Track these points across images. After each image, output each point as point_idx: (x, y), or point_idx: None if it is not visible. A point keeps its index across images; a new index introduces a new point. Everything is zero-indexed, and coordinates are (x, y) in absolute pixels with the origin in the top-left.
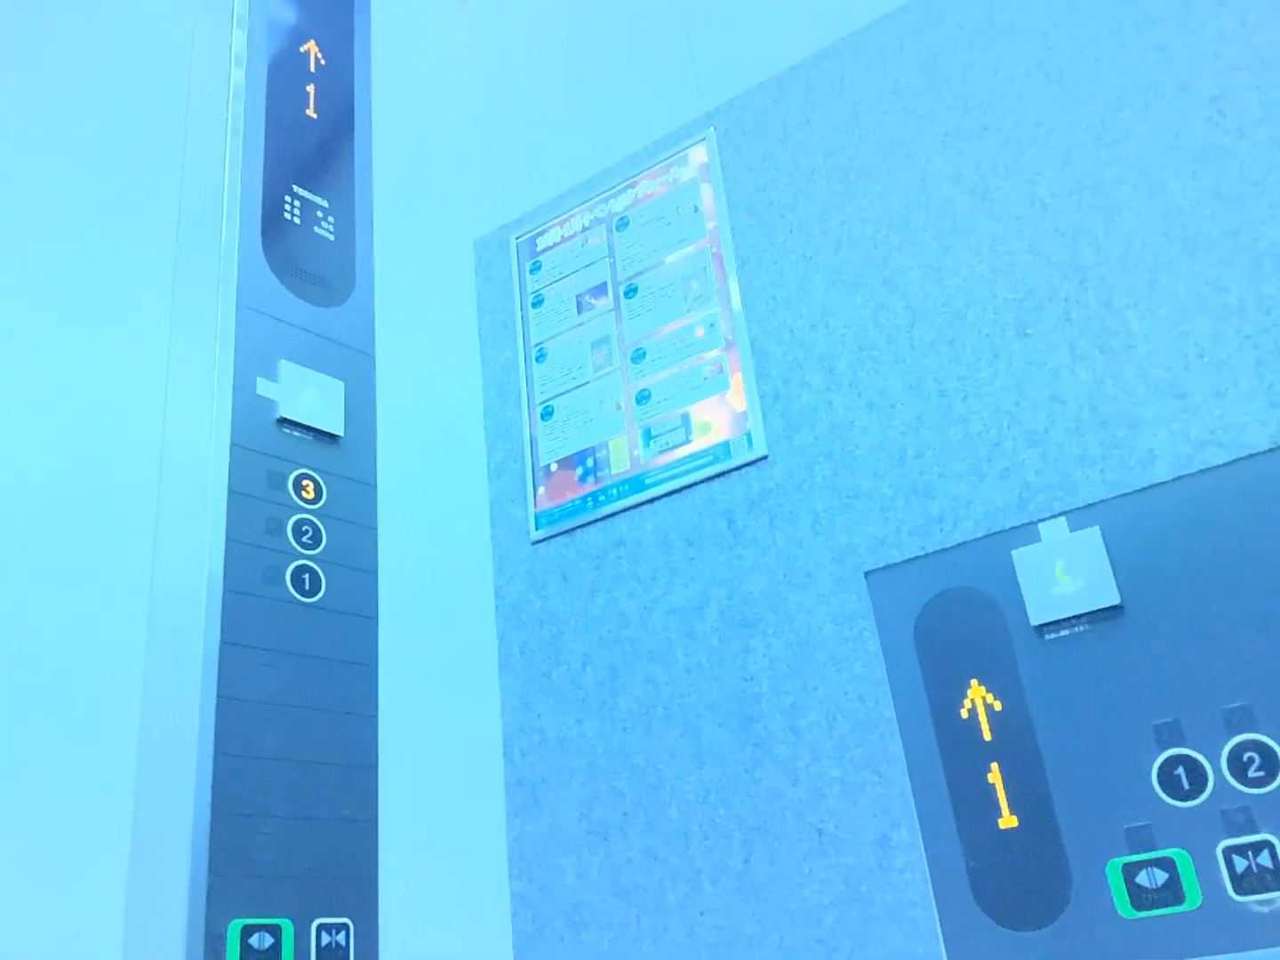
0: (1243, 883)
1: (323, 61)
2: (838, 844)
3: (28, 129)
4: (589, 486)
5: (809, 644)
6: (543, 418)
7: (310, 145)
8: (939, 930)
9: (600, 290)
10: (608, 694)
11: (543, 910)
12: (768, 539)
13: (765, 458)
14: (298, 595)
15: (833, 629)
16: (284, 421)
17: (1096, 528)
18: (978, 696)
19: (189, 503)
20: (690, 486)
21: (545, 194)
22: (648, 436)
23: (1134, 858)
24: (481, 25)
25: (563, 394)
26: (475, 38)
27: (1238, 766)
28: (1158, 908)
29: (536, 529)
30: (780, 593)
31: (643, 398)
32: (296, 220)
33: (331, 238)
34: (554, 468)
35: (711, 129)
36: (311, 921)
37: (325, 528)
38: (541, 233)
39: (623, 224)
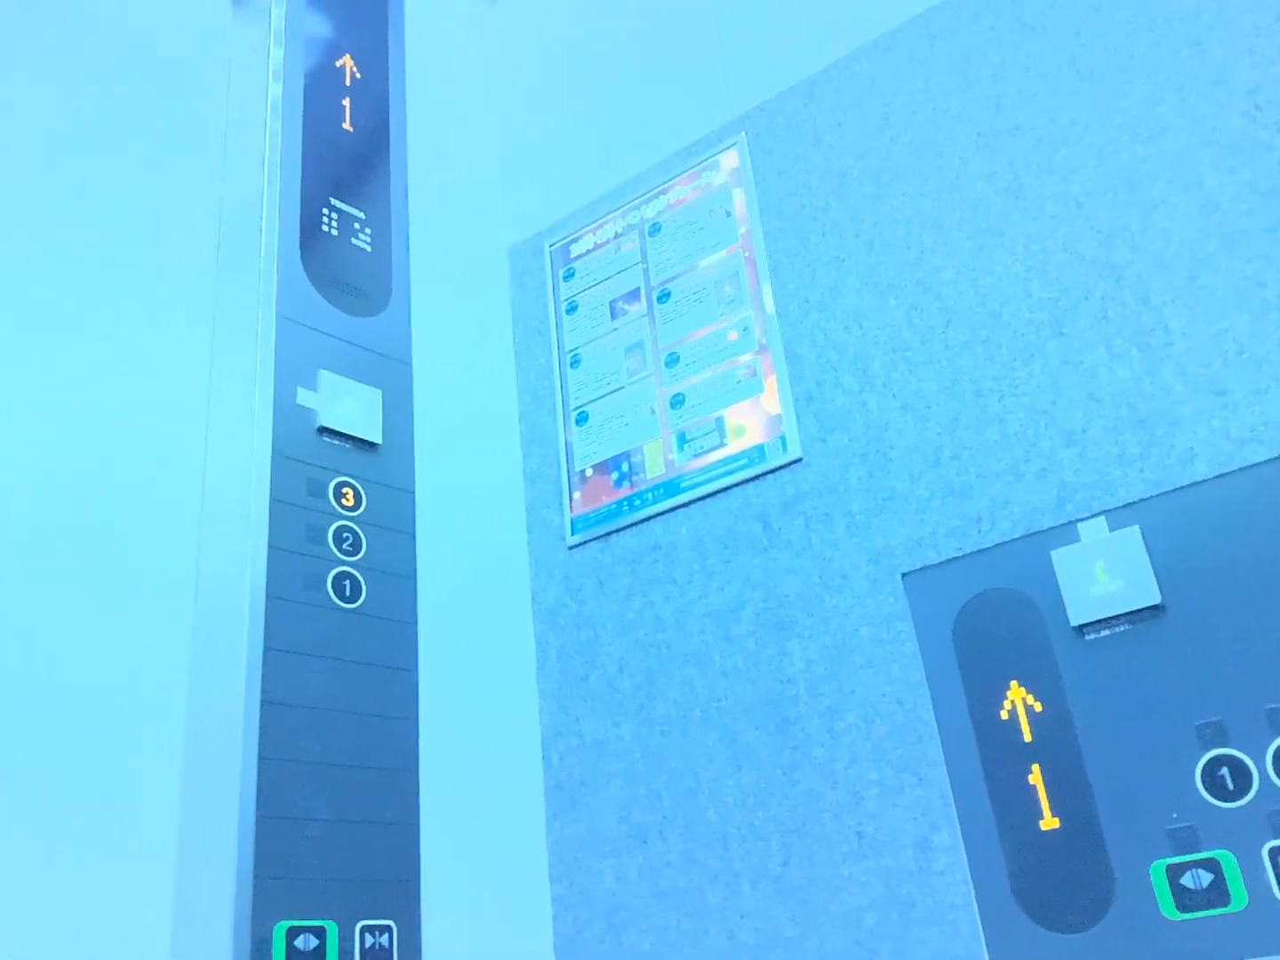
0: None
1: (358, 75)
2: (877, 846)
3: (71, 145)
4: (624, 491)
5: (846, 646)
6: (577, 423)
7: (347, 158)
8: (981, 933)
9: (633, 296)
10: (644, 697)
11: (583, 913)
12: (803, 541)
13: (800, 460)
14: (338, 601)
15: (869, 631)
16: (324, 430)
17: (1136, 527)
18: (1017, 698)
19: (232, 511)
20: (725, 490)
21: (578, 201)
22: (682, 440)
23: (1178, 859)
24: (512, 34)
25: (597, 399)
26: (506, 46)
27: None
28: (1203, 909)
29: (572, 534)
30: (816, 595)
31: (677, 402)
32: (334, 232)
33: (368, 249)
34: (589, 473)
35: (743, 133)
36: (355, 923)
37: (365, 534)
38: (575, 240)
39: (655, 229)
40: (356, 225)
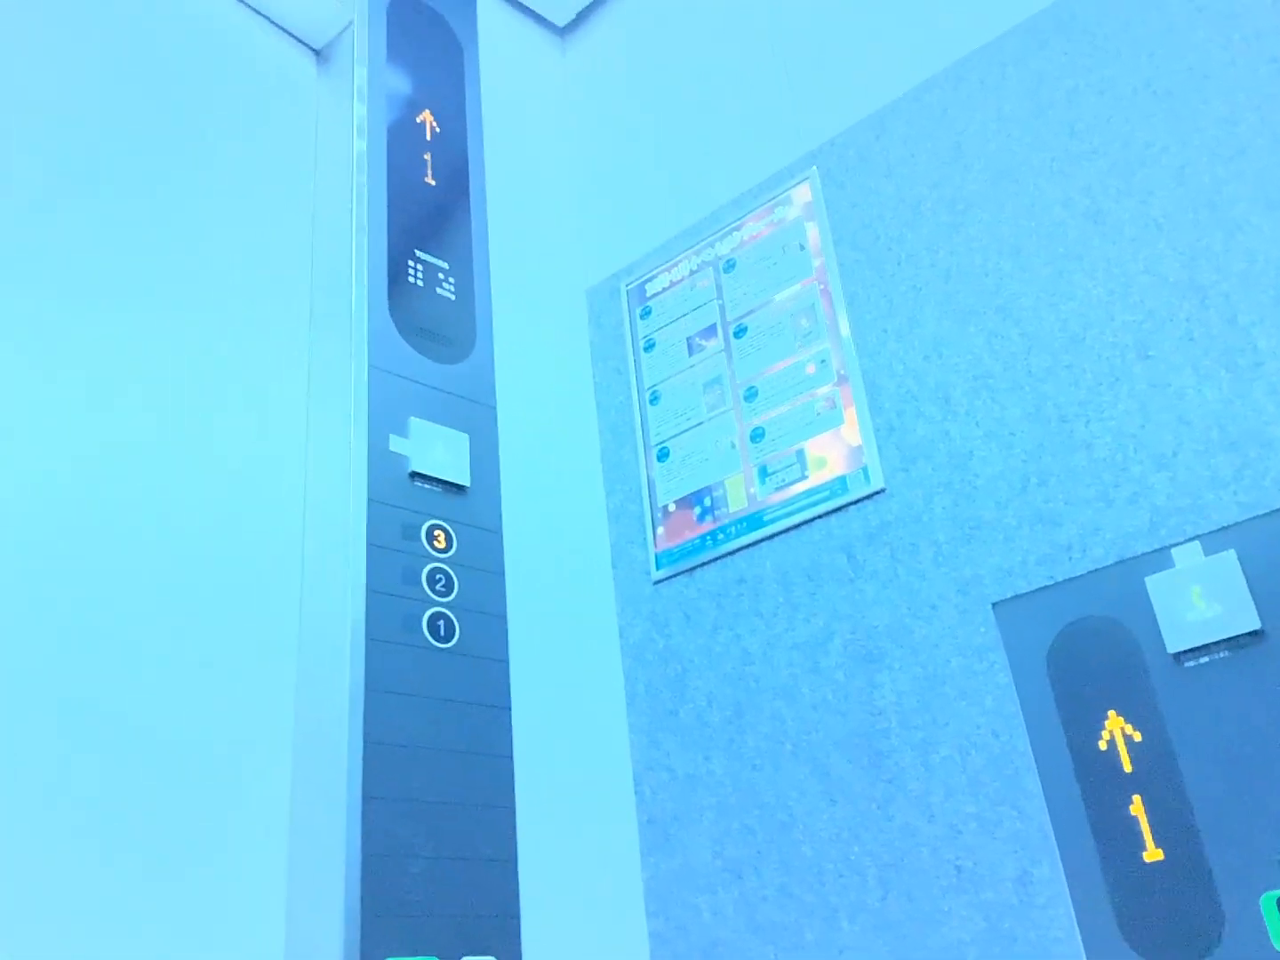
0: None
1: (438, 129)
2: (977, 880)
3: (167, 206)
4: (707, 525)
5: (937, 678)
6: (659, 459)
7: (430, 210)
8: None
9: (710, 332)
10: (734, 731)
11: (680, 948)
12: (889, 572)
13: (882, 491)
14: (434, 641)
15: (961, 662)
16: (415, 475)
17: (1232, 551)
18: (1116, 727)
19: (331, 556)
20: (808, 522)
21: (653, 241)
22: (763, 474)
23: None
24: (583, 80)
25: (677, 435)
26: (578, 94)
27: None
28: None
29: (657, 569)
30: (905, 626)
31: (757, 436)
32: (419, 283)
33: (452, 297)
34: (672, 508)
35: (814, 168)
36: (459, 958)
37: (457, 575)
38: (650, 279)
39: (730, 266)
40: (440, 275)
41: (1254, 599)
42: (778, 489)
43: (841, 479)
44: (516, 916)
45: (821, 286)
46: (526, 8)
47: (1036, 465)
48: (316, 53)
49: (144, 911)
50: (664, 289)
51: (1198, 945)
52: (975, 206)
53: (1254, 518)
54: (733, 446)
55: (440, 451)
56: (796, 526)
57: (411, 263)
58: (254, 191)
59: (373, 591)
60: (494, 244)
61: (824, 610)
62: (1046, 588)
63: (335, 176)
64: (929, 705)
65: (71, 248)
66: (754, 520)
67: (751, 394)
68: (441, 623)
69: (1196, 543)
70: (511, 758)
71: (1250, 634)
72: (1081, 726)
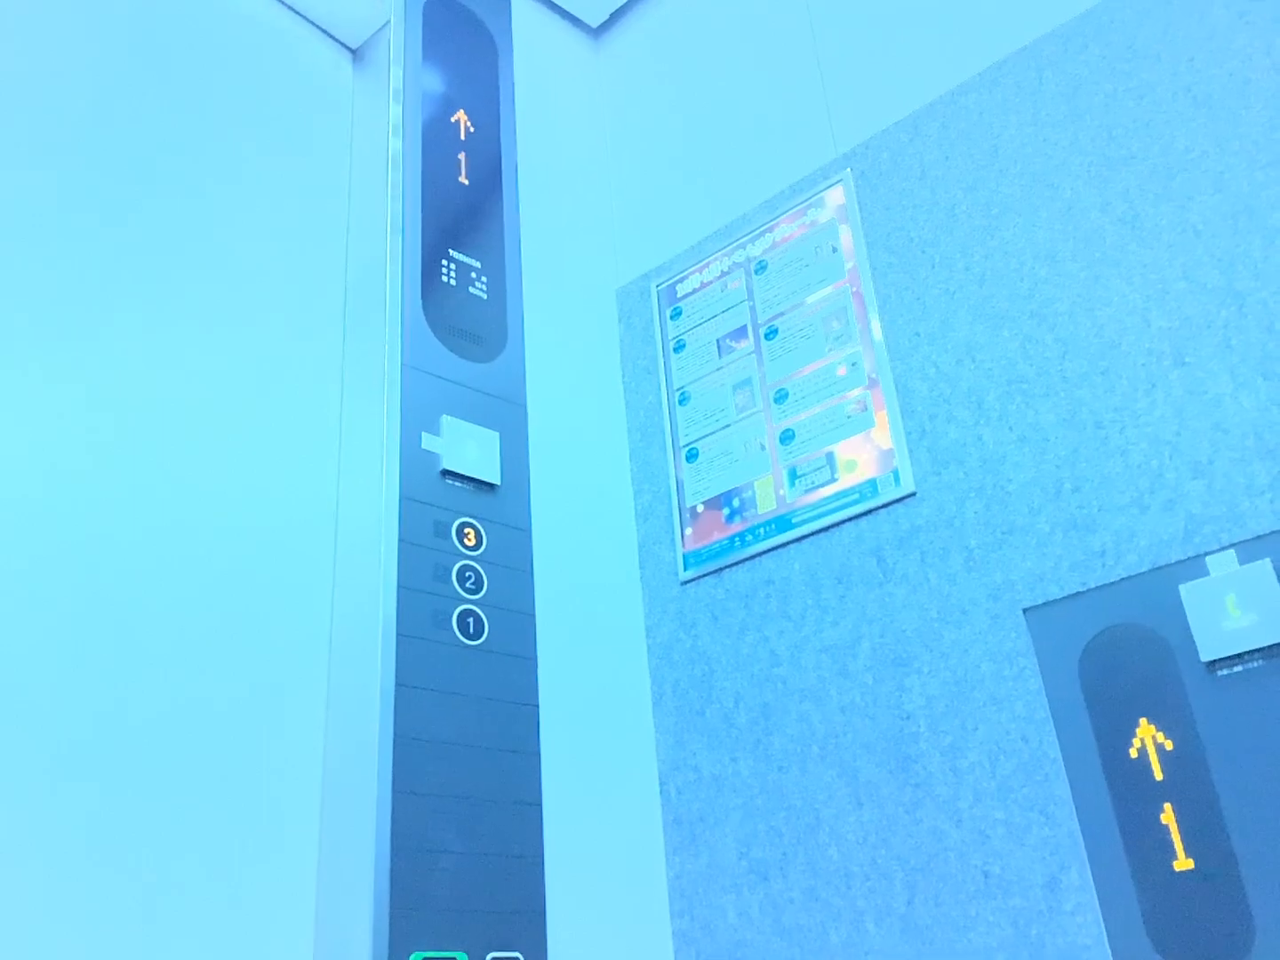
0: None
1: (472, 130)
2: (1005, 886)
3: (201, 205)
4: (736, 526)
5: (967, 682)
6: (687, 460)
7: (464, 210)
8: None
9: (740, 333)
10: (761, 733)
11: (705, 948)
12: (919, 576)
13: (913, 494)
14: (463, 638)
15: (991, 667)
16: (446, 473)
17: (1268, 560)
18: (1147, 735)
19: (363, 552)
20: (837, 525)
21: (684, 242)
22: (793, 476)
23: None
24: (616, 81)
25: (706, 436)
26: (610, 94)
27: None
28: None
29: (685, 569)
30: (934, 630)
31: (786, 438)
32: (452, 282)
33: (485, 297)
34: (700, 509)
35: (848, 170)
36: (485, 954)
37: (486, 573)
38: (681, 279)
39: (761, 267)
40: (473, 274)
41: None
42: (807, 491)
43: (872, 482)
44: (542, 914)
45: (854, 289)
46: (560, 8)
47: (1070, 471)
48: (353, 52)
49: (175, 905)
50: (695, 290)
51: (1227, 955)
52: (1010, 210)
53: None
54: (762, 448)
55: (471, 450)
56: (826, 529)
57: (445, 262)
58: (290, 190)
59: (403, 588)
60: (526, 243)
61: (853, 613)
62: (1079, 594)
63: (370, 175)
64: (958, 710)
65: (108, 247)
66: (783, 522)
67: (782, 396)
68: (471, 620)
69: (1231, 551)
70: (539, 755)
71: None
72: (1113, 733)
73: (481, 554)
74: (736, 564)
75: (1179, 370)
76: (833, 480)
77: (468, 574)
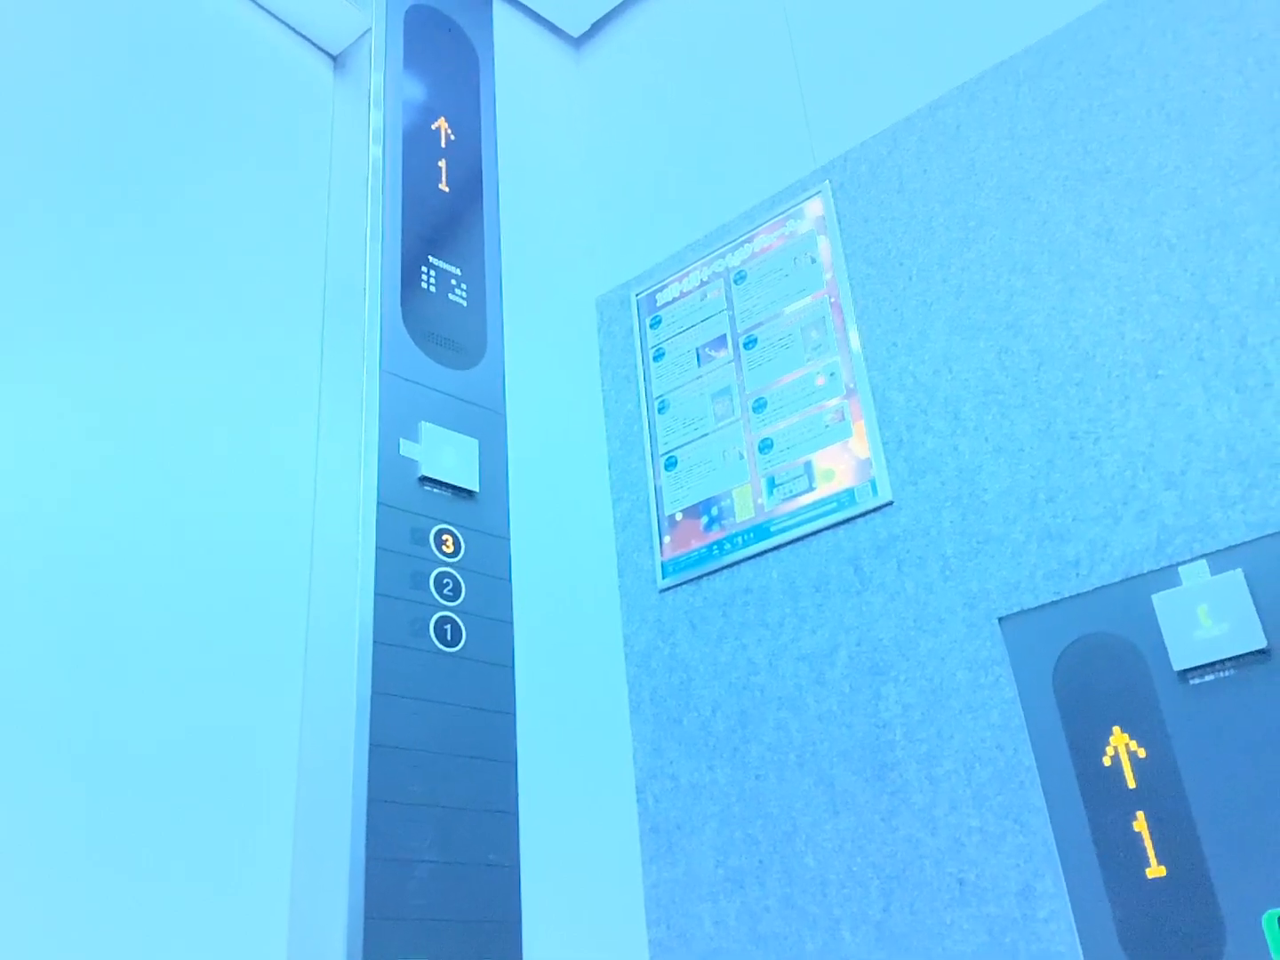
0: None
1: (452, 137)
2: (980, 894)
3: (179, 210)
4: (714, 535)
5: (943, 691)
6: (666, 468)
7: (444, 217)
8: None
9: (720, 342)
10: (739, 741)
11: (682, 957)
12: (896, 585)
13: (890, 504)
14: (441, 646)
15: (967, 676)
16: (425, 480)
17: (1239, 570)
18: (1120, 743)
19: (340, 559)
20: (815, 534)
21: (664, 251)
22: (771, 485)
23: None
24: (598, 90)
25: (685, 444)
26: (592, 103)
27: None
28: None
29: (663, 577)
30: (911, 639)
31: (765, 446)
32: (432, 289)
33: (464, 304)
34: (679, 517)
35: (827, 182)
36: None
37: (464, 580)
38: (661, 288)
39: (741, 277)
40: (453, 282)
41: (1260, 618)
42: (785, 500)
43: (849, 491)
44: (518, 923)
45: (832, 300)
46: (541, 18)
47: (1045, 481)
48: (333, 59)
49: (147, 914)
50: (674, 299)
51: None
52: (987, 223)
53: (1262, 537)
54: (741, 457)
55: (450, 456)
56: (804, 538)
57: (425, 268)
58: (269, 196)
59: (381, 595)
60: (506, 251)
61: (830, 622)
62: (1053, 603)
63: (350, 182)
64: (934, 718)
65: (84, 250)
66: (761, 531)
67: (760, 405)
68: (448, 627)
69: (1204, 561)
70: (516, 763)
71: (1256, 653)
72: (1086, 742)
73: (460, 561)
74: (715, 572)
75: (1153, 382)
76: (811, 489)
77: (446, 581)
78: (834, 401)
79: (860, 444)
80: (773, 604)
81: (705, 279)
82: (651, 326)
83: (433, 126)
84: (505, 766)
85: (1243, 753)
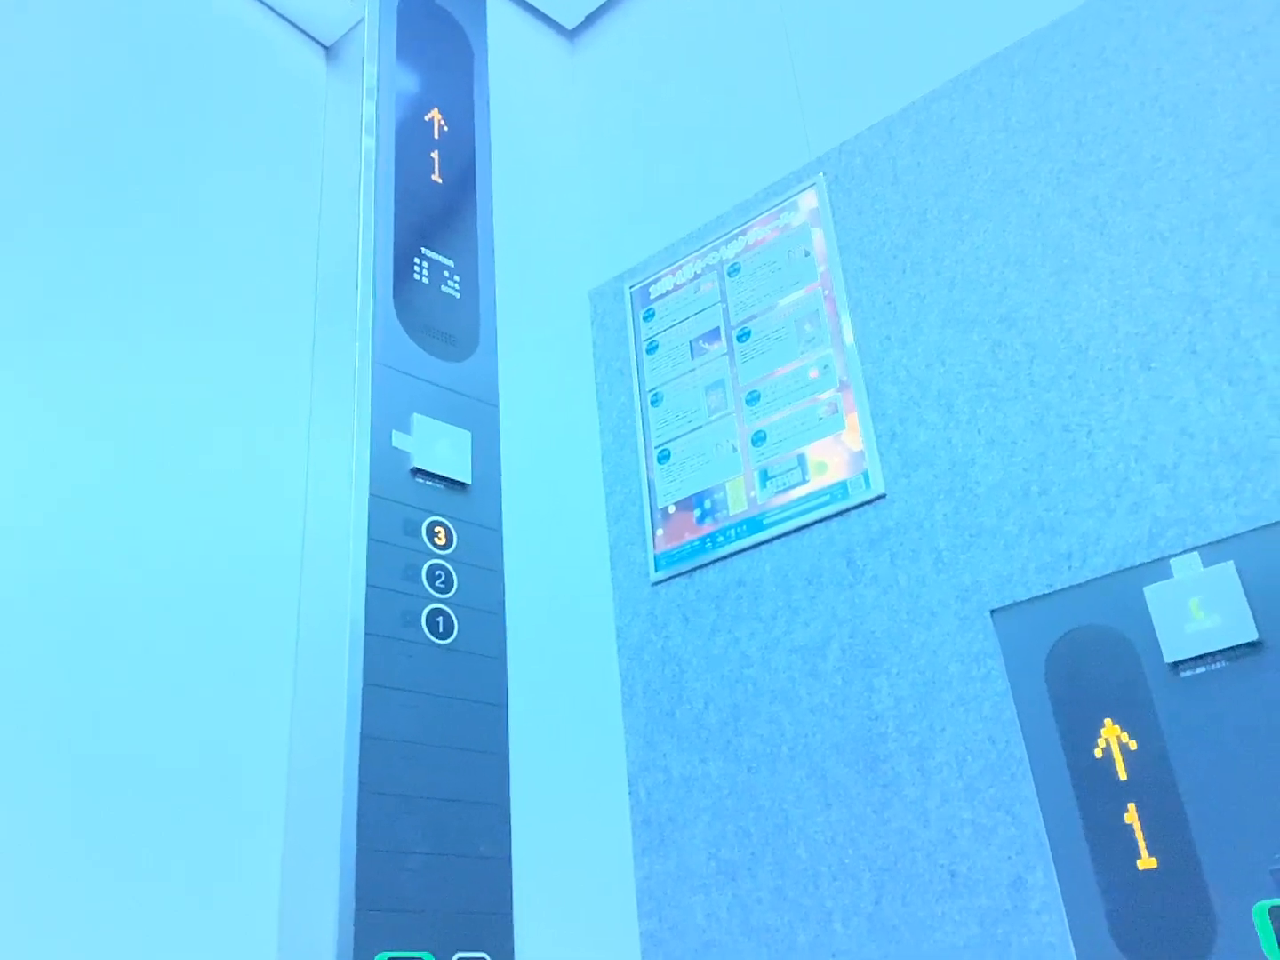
0: None
1: (446, 128)
2: (971, 885)
3: (172, 202)
4: (707, 528)
5: (935, 683)
6: (659, 461)
7: (437, 208)
8: None
9: (713, 335)
10: (731, 733)
11: (673, 949)
12: (889, 578)
13: (883, 496)
14: (432, 638)
15: (959, 668)
16: (417, 471)
17: (1231, 562)
18: (1112, 736)
19: (332, 550)
20: (808, 526)
21: (658, 244)
22: (764, 477)
23: None
24: (592, 82)
25: (679, 437)
26: (586, 95)
27: None
28: None
29: (656, 570)
30: (904, 631)
31: (758, 439)
32: (425, 280)
33: (457, 295)
34: (672, 510)
35: (821, 174)
36: (452, 955)
37: (456, 572)
38: (654, 281)
39: (734, 270)
40: (446, 273)
41: (1252, 610)
42: (778, 493)
43: (842, 484)
44: (510, 914)
45: (826, 292)
46: (536, 9)
47: (1038, 474)
48: (326, 49)
49: (138, 905)
50: (668, 292)
51: (1189, 953)
52: (981, 216)
53: (1253, 530)
54: (734, 449)
55: (442, 448)
56: (797, 530)
57: (417, 260)
58: (261, 187)
59: (372, 586)
60: (499, 243)
61: (823, 614)
62: (1045, 595)
63: (343, 173)
64: (926, 711)
65: (77, 241)
66: (754, 523)
67: (754, 398)
68: (440, 619)
69: (1196, 554)
70: (507, 755)
71: (1247, 645)
72: (1078, 734)
73: (452, 553)
74: (707, 565)
75: (1145, 375)
76: (804, 482)
77: (437, 573)
78: (827, 394)
79: (853, 437)
80: (765, 597)
81: (699, 271)
82: (645, 319)
83: (426, 118)
84: (497, 759)
85: (1234, 745)
